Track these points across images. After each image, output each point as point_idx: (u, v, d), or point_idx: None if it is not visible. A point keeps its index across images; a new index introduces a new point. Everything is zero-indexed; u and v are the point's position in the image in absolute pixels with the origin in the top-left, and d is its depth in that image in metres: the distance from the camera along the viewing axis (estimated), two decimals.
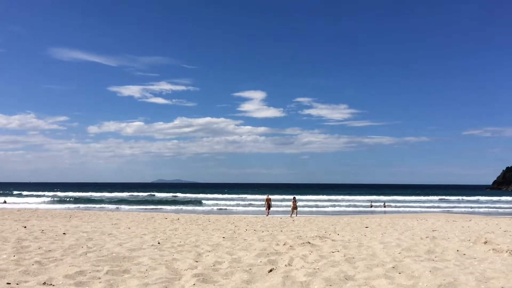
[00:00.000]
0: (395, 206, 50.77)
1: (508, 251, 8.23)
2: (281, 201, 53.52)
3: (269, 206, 30.21)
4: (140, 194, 79.44)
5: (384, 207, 48.18)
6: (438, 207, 51.32)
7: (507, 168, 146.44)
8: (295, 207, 29.25)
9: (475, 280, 5.80)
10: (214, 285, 5.62)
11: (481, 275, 6.21)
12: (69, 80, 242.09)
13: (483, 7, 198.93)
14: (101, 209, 41.60)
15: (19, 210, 29.99)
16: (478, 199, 68.71)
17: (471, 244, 9.75)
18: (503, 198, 73.86)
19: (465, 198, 72.83)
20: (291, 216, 27.99)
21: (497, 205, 54.54)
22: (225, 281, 5.88)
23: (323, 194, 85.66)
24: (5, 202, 50.04)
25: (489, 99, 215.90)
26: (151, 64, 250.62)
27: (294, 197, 30.63)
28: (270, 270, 6.49)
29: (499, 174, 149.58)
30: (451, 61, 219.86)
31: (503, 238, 11.17)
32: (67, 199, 60.17)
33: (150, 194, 78.26)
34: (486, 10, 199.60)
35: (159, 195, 77.77)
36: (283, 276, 6.08)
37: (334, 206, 51.58)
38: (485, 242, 9.67)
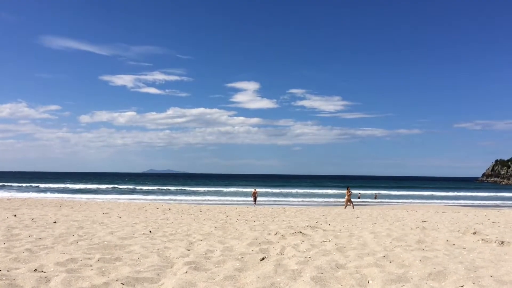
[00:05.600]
0: (386, 198, 51.14)
1: (497, 242, 8.34)
2: (270, 195, 53.86)
3: (255, 198, 33.92)
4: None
5: (375, 198, 48.53)
6: (428, 198, 51.85)
7: (496, 161, 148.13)
8: (349, 199, 27.28)
9: (465, 269, 5.87)
10: (206, 272, 5.63)
11: (470, 264, 6.29)
12: (61, 69, 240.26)
13: (476, 6, 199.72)
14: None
15: (9, 199, 29.76)
16: (467, 191, 69.46)
17: (461, 234, 9.86)
18: (492, 190, 74.84)
19: (454, 190, 73.60)
20: (345, 207, 26.34)
21: (486, 197, 55.25)
22: (217, 269, 5.89)
23: (314, 185, 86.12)
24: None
25: (480, 93, 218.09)
26: (144, 53, 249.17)
27: (348, 187, 28.53)
28: (262, 259, 6.51)
29: (488, 166, 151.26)
30: (443, 55, 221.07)
31: (492, 229, 11.31)
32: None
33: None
34: (479, 8, 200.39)
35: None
36: (275, 264, 6.11)
37: (325, 197, 51.91)
38: (474, 233, 9.78)
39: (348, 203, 27.24)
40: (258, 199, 35.22)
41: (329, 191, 65.91)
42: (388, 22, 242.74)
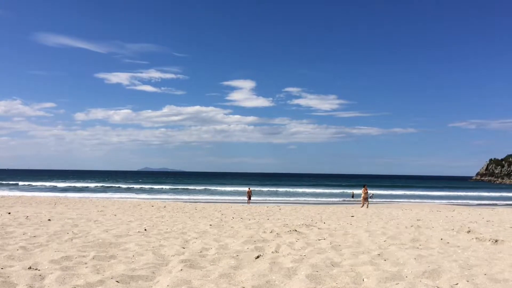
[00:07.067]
0: (381, 197, 51.28)
1: (491, 240, 8.39)
2: (266, 193, 53.83)
3: (249, 197, 34.46)
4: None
5: (371, 197, 48.62)
6: (423, 197, 52.05)
7: (490, 160, 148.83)
8: (365, 198, 26.28)
9: (459, 267, 5.90)
10: (201, 270, 5.62)
11: (464, 262, 6.32)
12: (56, 66, 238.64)
13: (472, 6, 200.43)
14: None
15: (3, 196, 29.61)
16: (462, 190, 69.77)
17: (455, 233, 9.91)
18: (486, 189, 75.22)
19: (449, 189, 73.90)
20: (362, 207, 25.41)
21: (480, 197, 55.55)
22: (212, 266, 5.88)
23: (309, 184, 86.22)
24: None
25: (474, 93, 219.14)
26: (140, 51, 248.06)
27: (364, 185, 27.64)
28: (257, 257, 6.51)
29: (483, 165, 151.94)
30: (438, 54, 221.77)
31: (486, 228, 11.38)
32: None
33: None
34: (475, 8, 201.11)
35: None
36: (270, 262, 6.11)
37: (320, 195, 51.99)
38: (468, 231, 9.84)
39: (364, 201, 26.36)
40: (253, 197, 35.63)
41: (324, 190, 65.98)
42: (384, 21, 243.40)
